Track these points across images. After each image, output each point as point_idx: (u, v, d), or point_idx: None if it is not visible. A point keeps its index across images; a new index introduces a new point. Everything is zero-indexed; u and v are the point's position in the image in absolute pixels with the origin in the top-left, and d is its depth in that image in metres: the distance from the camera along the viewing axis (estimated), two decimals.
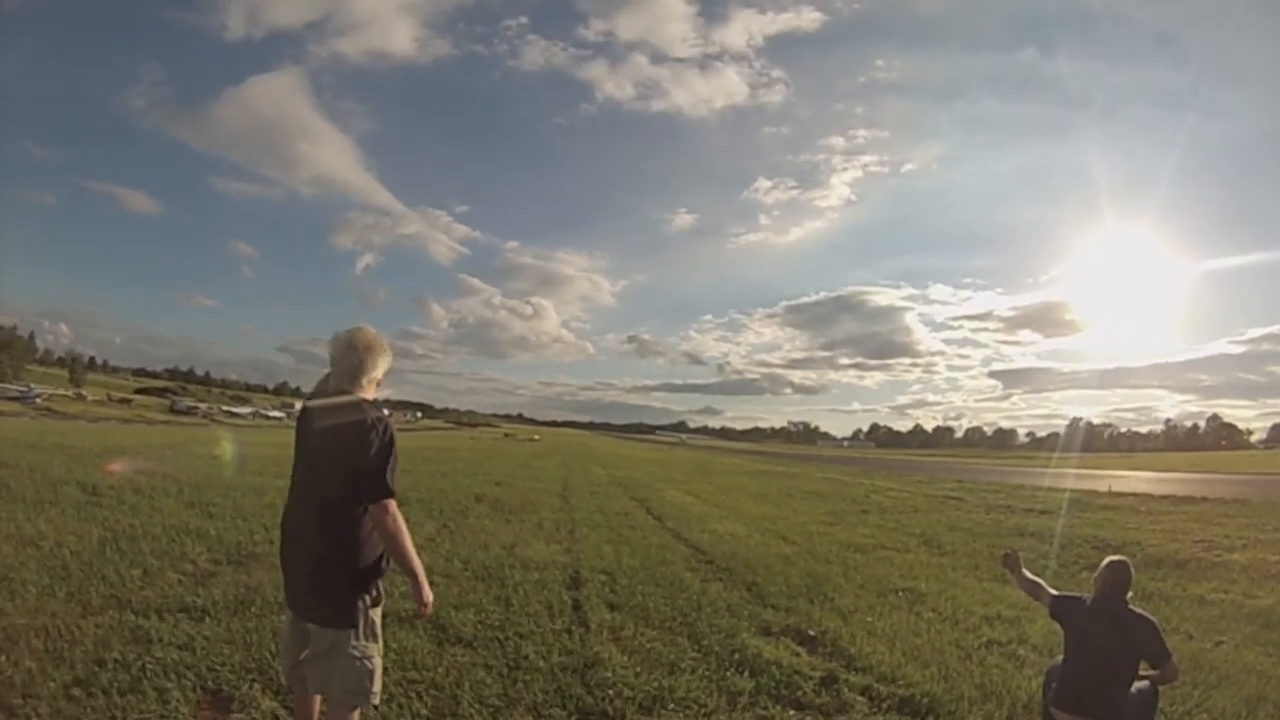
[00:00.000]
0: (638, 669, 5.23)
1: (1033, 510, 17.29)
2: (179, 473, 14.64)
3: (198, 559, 7.35)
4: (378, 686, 3.20)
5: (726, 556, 9.96)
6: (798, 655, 5.82)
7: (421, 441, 56.48)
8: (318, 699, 3.41)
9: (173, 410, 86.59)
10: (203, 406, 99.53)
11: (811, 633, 6.44)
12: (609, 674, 5.07)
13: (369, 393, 3.23)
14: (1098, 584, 4.44)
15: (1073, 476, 30.92)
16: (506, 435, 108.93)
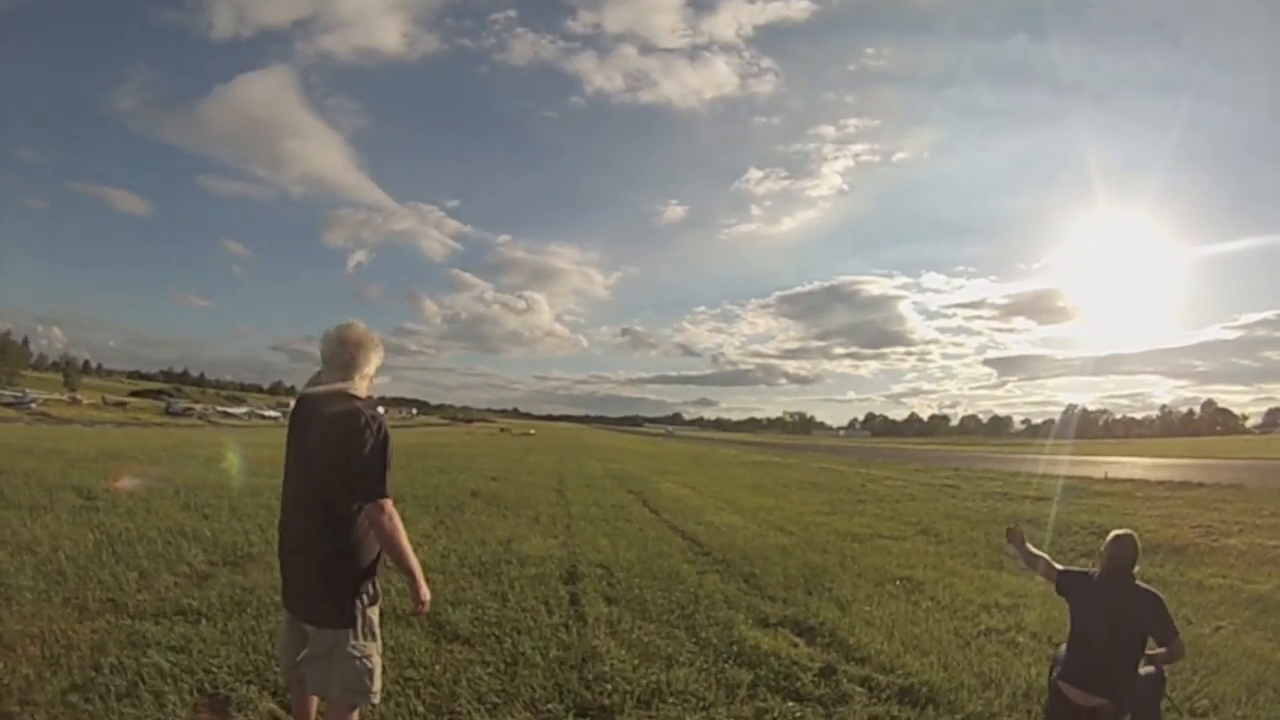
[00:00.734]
0: (635, 662, 5.22)
1: (1029, 497, 17.33)
2: (175, 475, 14.63)
3: (194, 561, 7.34)
4: (378, 685, 3.19)
5: (723, 548, 9.96)
6: (796, 646, 5.83)
7: (417, 438, 56.47)
8: (315, 699, 3.41)
9: (168, 412, 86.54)
10: (198, 408, 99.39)
11: (810, 623, 6.45)
12: (606, 668, 5.07)
13: (362, 389, 3.20)
14: (1104, 559, 4.41)
15: (1068, 463, 30.98)
16: (502, 430, 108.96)
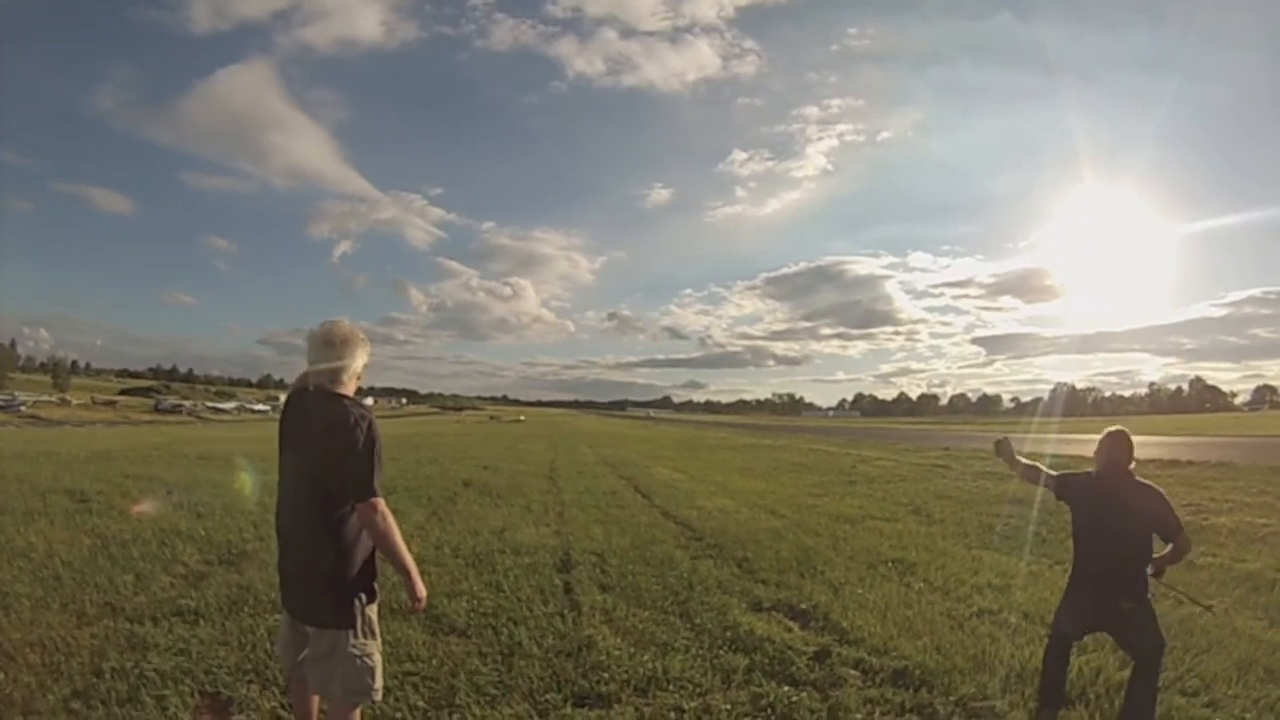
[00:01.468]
0: (631, 650, 5.26)
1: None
2: (166, 474, 14.61)
3: (189, 561, 7.36)
4: (379, 683, 3.21)
5: (716, 532, 10.01)
6: (790, 630, 5.87)
7: (407, 428, 56.40)
8: (316, 697, 3.43)
9: (157, 410, 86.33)
10: (187, 404, 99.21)
11: (804, 607, 6.50)
12: (602, 656, 5.10)
13: (349, 388, 3.20)
14: (1102, 457, 4.42)
15: (1058, 441, 31.09)
16: (492, 418, 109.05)
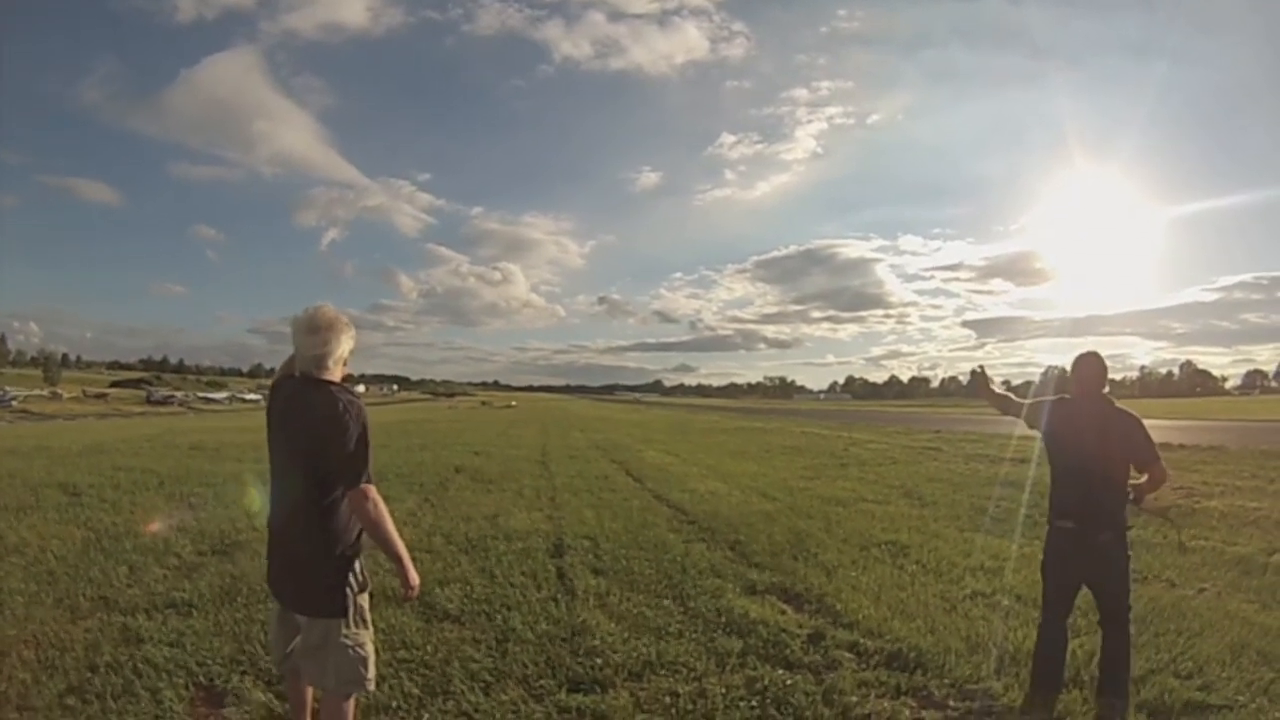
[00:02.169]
0: (625, 635, 5.27)
1: (1012, 459, 17.44)
2: (158, 466, 14.58)
3: (182, 552, 7.35)
4: (372, 673, 3.20)
5: (708, 516, 10.02)
6: (784, 613, 5.88)
7: (399, 414, 56.37)
8: (310, 687, 3.43)
9: (149, 401, 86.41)
10: (178, 395, 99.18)
11: (798, 590, 6.52)
12: (597, 641, 5.11)
13: (336, 374, 3.16)
14: (1076, 381, 4.34)
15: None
16: (483, 403, 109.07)
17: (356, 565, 3.13)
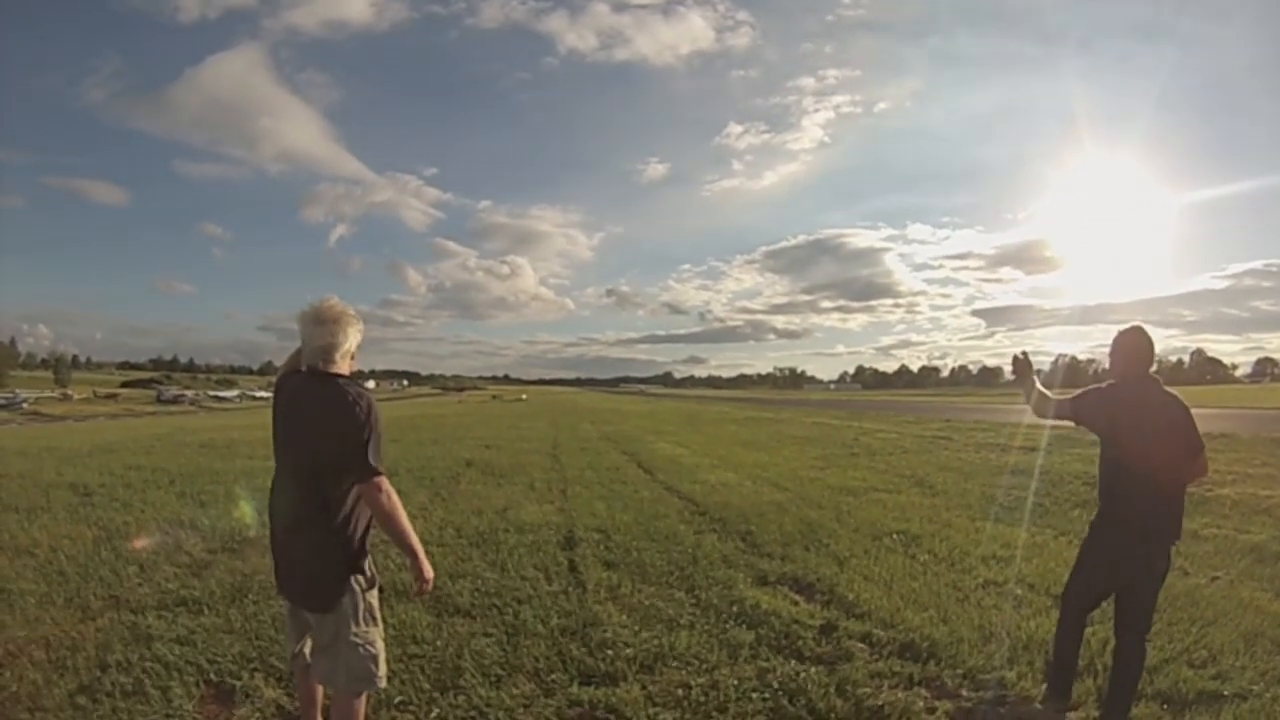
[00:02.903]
0: (637, 627, 5.26)
1: (1022, 448, 17.37)
2: (169, 464, 14.61)
3: (193, 550, 7.36)
4: (383, 670, 3.17)
5: (719, 506, 10.01)
6: (796, 604, 5.85)
7: (409, 409, 56.48)
8: (321, 684, 3.41)
9: (159, 400, 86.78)
10: (189, 394, 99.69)
11: (809, 580, 6.49)
12: (608, 634, 5.10)
13: (344, 367, 3.13)
14: (1124, 360, 3.91)
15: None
16: (494, 397, 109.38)
17: (365, 562, 3.10)
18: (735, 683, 4.39)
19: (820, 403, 66.91)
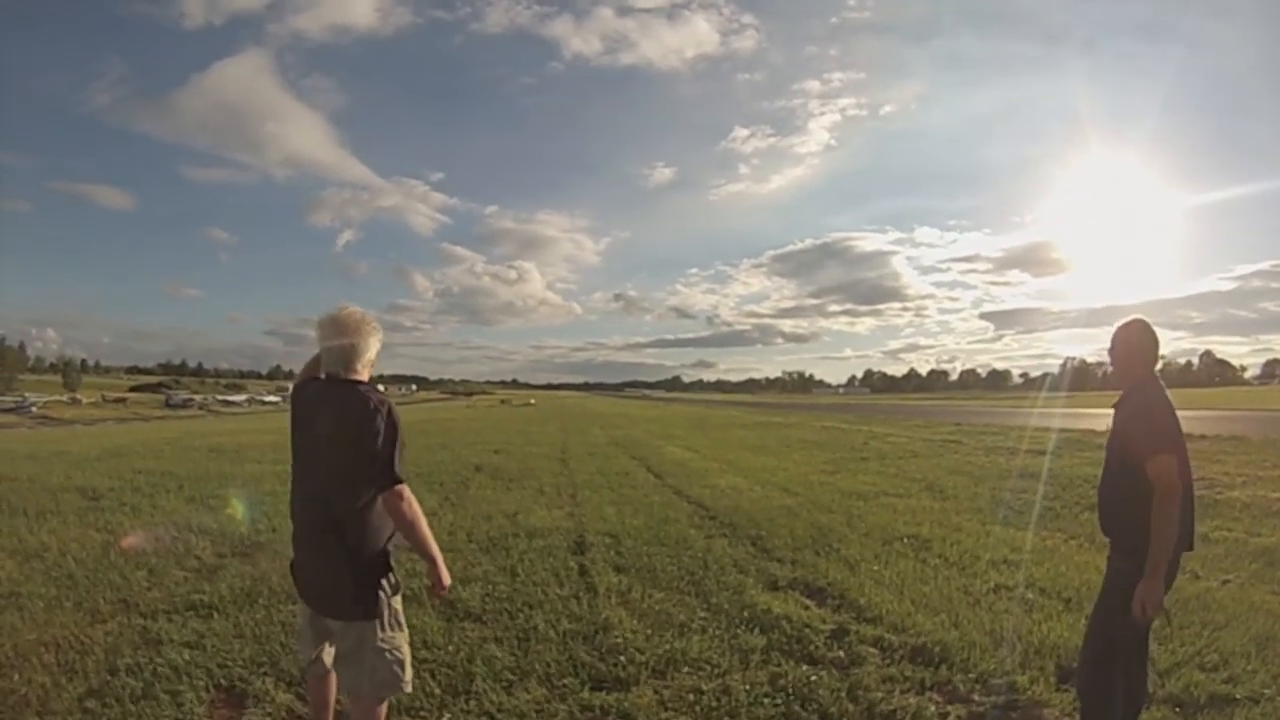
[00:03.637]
0: (648, 632, 5.24)
1: (1032, 451, 17.32)
2: (178, 468, 14.64)
3: (202, 554, 7.36)
4: (409, 675, 3.15)
5: (729, 511, 9.99)
6: (807, 609, 5.83)
7: (418, 414, 56.49)
8: (332, 687, 3.38)
9: (168, 405, 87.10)
10: (197, 398, 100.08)
11: (820, 585, 6.47)
12: (619, 639, 5.08)
13: (363, 374, 3.12)
14: (1154, 360, 3.57)
15: (1070, 416, 30.95)
16: (502, 402, 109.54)
17: (389, 567, 3.08)
18: (747, 688, 4.36)
19: (829, 406, 66.88)
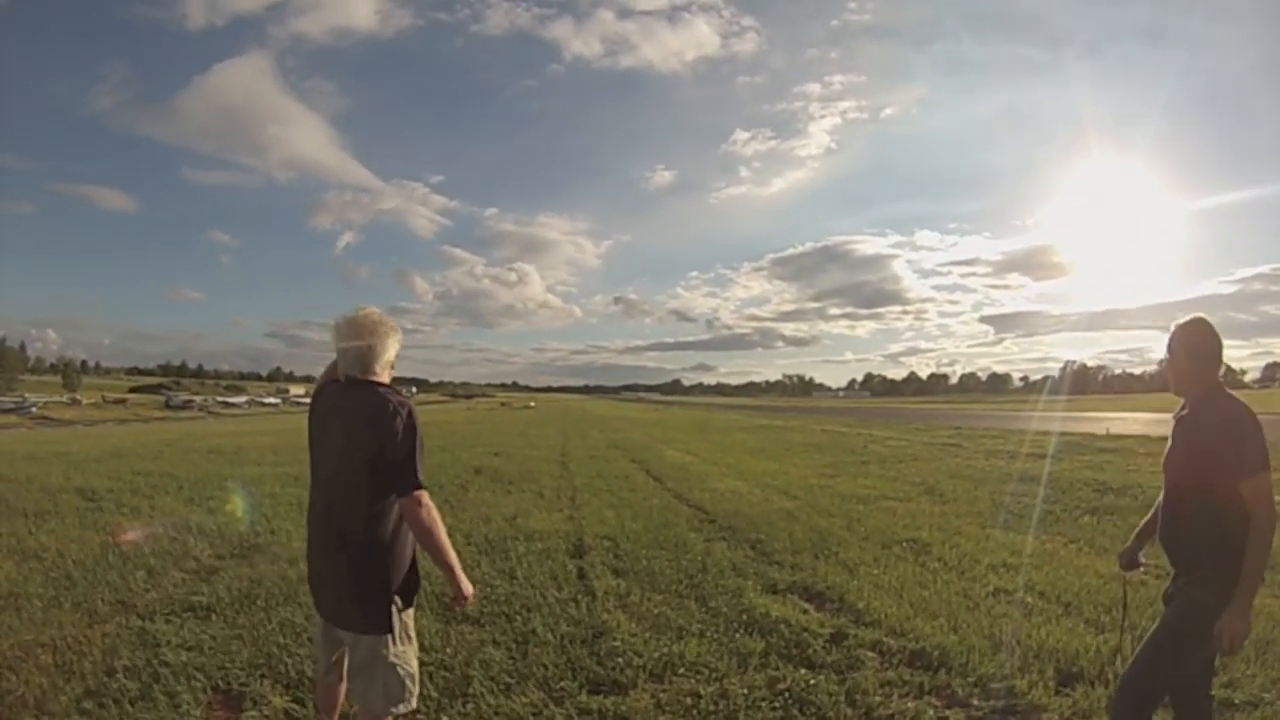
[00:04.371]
0: (646, 635, 5.22)
1: (1032, 455, 17.31)
2: (177, 470, 14.64)
3: (200, 556, 7.36)
4: (417, 689, 3.09)
5: (728, 515, 9.99)
6: (806, 612, 5.82)
7: (418, 416, 56.47)
8: (342, 695, 3.35)
9: (168, 406, 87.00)
10: (198, 400, 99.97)
11: (819, 588, 6.46)
12: (618, 642, 5.06)
13: (384, 376, 3.08)
14: (1219, 362, 3.09)
15: (1070, 419, 30.95)
16: (502, 404, 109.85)
17: (406, 580, 3.02)
18: (745, 691, 4.35)
19: (829, 410, 66.93)
